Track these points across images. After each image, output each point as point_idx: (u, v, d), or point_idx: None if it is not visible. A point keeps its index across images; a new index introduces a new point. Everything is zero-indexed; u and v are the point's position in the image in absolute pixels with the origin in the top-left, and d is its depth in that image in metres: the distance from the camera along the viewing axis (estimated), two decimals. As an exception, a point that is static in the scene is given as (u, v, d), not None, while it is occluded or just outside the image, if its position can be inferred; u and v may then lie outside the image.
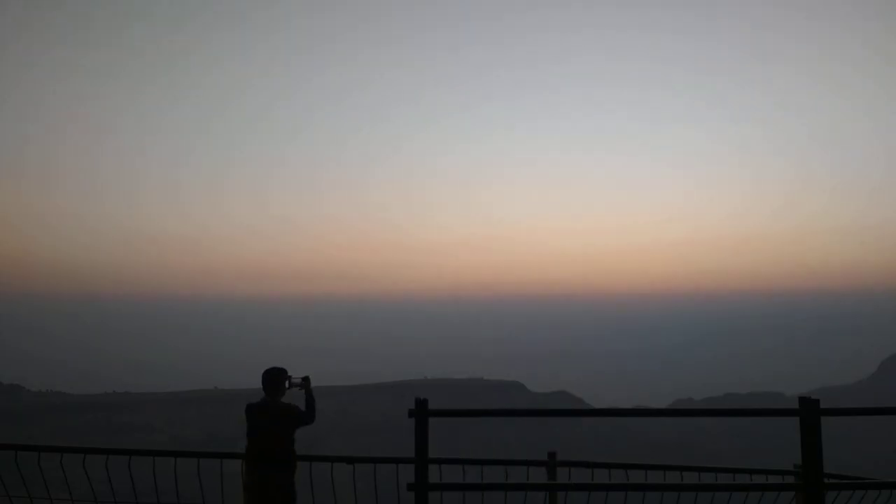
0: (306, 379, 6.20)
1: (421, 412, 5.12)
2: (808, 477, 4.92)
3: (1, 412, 57.93)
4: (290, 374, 6.19)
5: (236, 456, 6.49)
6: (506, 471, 6.82)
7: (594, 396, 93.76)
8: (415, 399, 5.23)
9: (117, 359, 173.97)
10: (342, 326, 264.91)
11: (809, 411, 4.96)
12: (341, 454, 7.10)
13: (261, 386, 6.05)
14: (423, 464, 5.11)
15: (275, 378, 6.07)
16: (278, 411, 5.97)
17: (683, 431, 79.56)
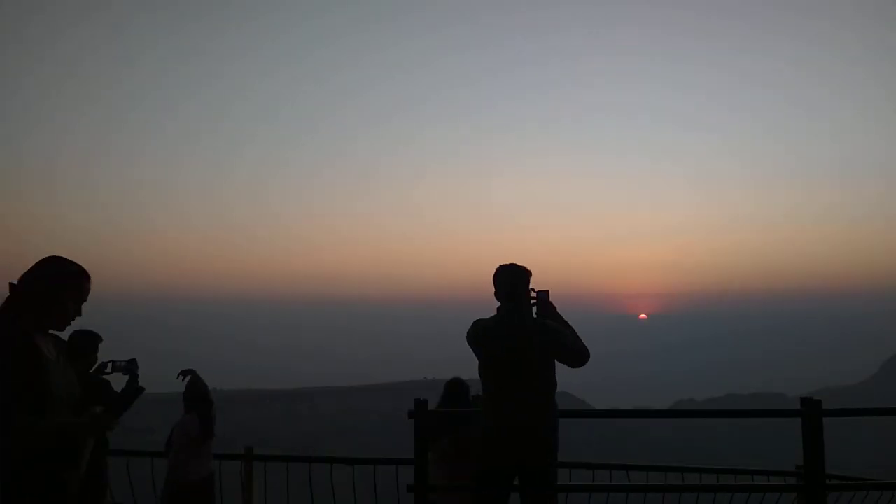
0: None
1: (421, 413, 5.09)
2: (809, 478, 4.89)
3: None
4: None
5: (234, 457, 6.47)
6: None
7: (595, 397, 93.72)
8: (414, 400, 5.19)
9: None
10: (342, 327, 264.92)
11: (811, 412, 4.93)
12: (341, 455, 7.08)
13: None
14: (423, 465, 5.08)
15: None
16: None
17: (685, 432, 79.52)
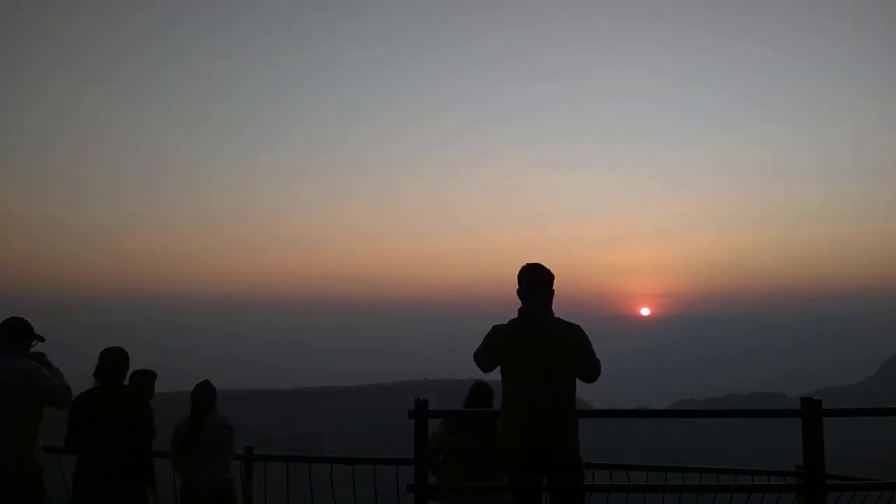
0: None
1: (421, 413, 5.08)
2: (809, 478, 4.89)
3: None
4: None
5: (234, 457, 6.45)
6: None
7: (595, 397, 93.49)
8: (414, 400, 5.19)
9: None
10: (342, 326, 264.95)
11: (811, 412, 4.92)
12: (341, 455, 7.07)
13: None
14: (423, 465, 5.07)
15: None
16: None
17: (684, 432, 79.47)
